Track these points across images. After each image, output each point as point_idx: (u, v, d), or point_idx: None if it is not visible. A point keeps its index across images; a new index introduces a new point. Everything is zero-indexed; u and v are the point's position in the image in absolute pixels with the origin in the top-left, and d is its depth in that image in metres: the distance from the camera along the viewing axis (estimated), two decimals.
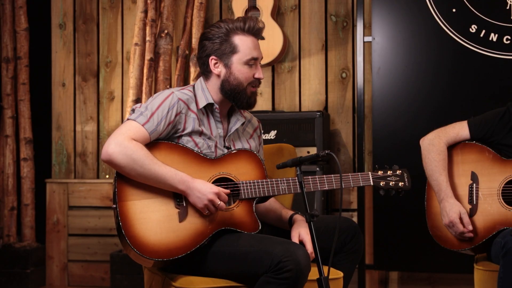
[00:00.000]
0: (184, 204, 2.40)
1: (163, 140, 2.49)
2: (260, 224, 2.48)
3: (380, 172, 2.62)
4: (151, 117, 2.43)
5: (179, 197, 2.40)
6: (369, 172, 2.61)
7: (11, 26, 4.72)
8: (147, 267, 2.58)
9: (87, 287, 4.72)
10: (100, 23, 4.83)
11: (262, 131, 2.85)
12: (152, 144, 2.44)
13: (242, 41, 2.52)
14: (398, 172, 2.64)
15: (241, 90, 2.54)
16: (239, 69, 2.53)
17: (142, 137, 2.41)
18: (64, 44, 4.87)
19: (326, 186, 2.54)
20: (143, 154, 2.36)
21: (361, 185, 2.60)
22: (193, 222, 2.38)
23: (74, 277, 4.75)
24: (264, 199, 2.58)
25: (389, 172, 2.63)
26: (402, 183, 2.63)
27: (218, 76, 2.56)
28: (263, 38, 2.63)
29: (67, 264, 4.76)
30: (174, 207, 2.39)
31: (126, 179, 2.39)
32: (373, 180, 2.60)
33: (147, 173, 2.36)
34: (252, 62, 2.53)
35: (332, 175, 2.55)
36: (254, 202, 2.50)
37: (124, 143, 2.36)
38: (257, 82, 2.57)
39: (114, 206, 2.36)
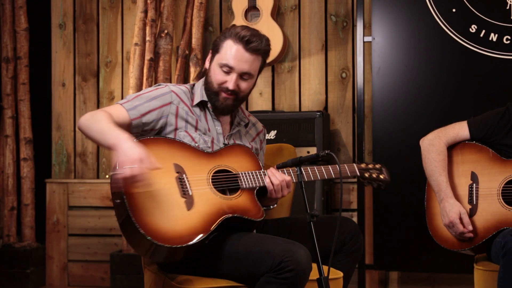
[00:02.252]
0: (190, 193, 2.39)
1: (161, 135, 2.52)
2: (263, 212, 2.47)
3: (363, 165, 2.73)
4: (133, 99, 2.49)
5: (183, 187, 2.40)
6: (354, 164, 2.70)
7: (11, 26, 4.72)
8: (156, 261, 2.52)
9: (87, 287, 4.72)
10: (100, 23, 4.83)
11: (266, 137, 2.84)
12: (151, 140, 2.45)
13: (227, 45, 2.52)
14: (377, 166, 2.76)
15: (212, 89, 2.55)
16: (214, 69, 2.55)
17: (118, 112, 2.44)
18: (64, 44, 4.87)
19: (318, 176, 2.59)
20: (99, 115, 2.36)
21: (349, 175, 2.67)
22: (201, 210, 2.36)
23: (74, 277, 4.75)
24: (265, 191, 2.56)
25: (369, 166, 2.74)
26: (383, 176, 2.74)
27: (207, 69, 2.62)
28: (255, 53, 2.53)
29: (67, 264, 4.76)
30: (181, 197, 2.37)
31: None
32: (358, 170, 2.68)
33: (96, 129, 2.33)
34: (226, 69, 2.51)
35: (316, 167, 2.61)
36: (255, 191, 2.50)
37: (90, 112, 2.41)
38: (226, 89, 2.52)
39: (119, 201, 2.32)
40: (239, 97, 2.56)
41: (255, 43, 2.50)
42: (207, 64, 2.62)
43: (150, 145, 2.42)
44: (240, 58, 2.50)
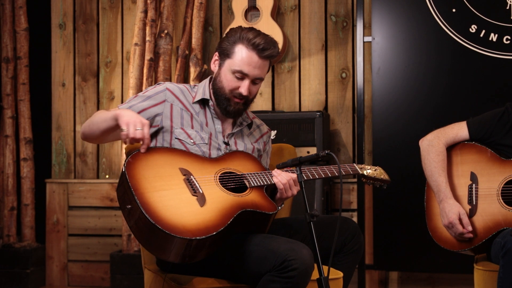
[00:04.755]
0: (201, 191, 2.38)
1: (159, 134, 2.56)
2: (276, 206, 2.47)
3: (362, 165, 2.77)
4: (130, 101, 2.57)
5: (193, 186, 2.39)
6: (354, 164, 2.73)
7: (11, 26, 4.72)
8: (169, 259, 2.44)
9: (87, 287, 4.72)
10: (100, 23, 4.83)
11: (271, 139, 2.85)
12: (154, 150, 2.47)
13: (240, 51, 2.53)
14: (376, 167, 2.80)
15: (223, 95, 2.57)
16: (225, 74, 2.56)
17: None
18: (64, 44, 4.87)
19: (322, 174, 2.61)
20: (98, 112, 2.53)
21: (351, 173, 2.69)
22: (214, 207, 2.35)
23: (74, 277, 4.75)
24: (273, 190, 2.56)
25: (369, 167, 2.77)
26: (383, 176, 2.78)
27: (213, 72, 2.63)
28: (268, 59, 2.56)
29: (67, 264, 4.76)
30: (191, 195, 2.36)
31: (136, 175, 2.36)
32: (359, 169, 2.71)
33: (95, 119, 2.52)
34: (240, 75, 2.53)
35: (318, 167, 2.64)
36: (264, 189, 2.50)
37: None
38: (239, 95, 2.54)
39: (129, 206, 2.31)
40: (249, 101, 2.60)
41: (269, 50, 2.53)
42: (213, 67, 2.63)
43: (152, 153, 2.44)
44: (254, 65, 2.52)
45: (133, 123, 2.38)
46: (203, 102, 2.63)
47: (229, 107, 2.57)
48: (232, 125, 2.68)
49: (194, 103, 2.61)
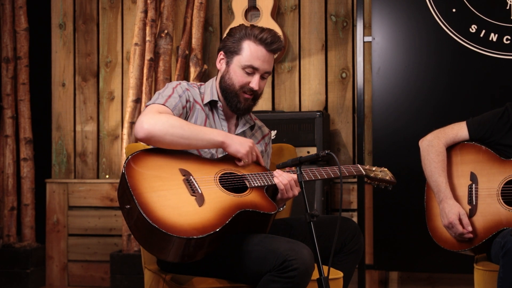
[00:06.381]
0: (200, 191, 2.38)
1: None
2: (276, 206, 2.47)
3: (367, 166, 2.75)
4: (168, 99, 2.53)
5: (192, 186, 2.39)
6: (358, 165, 2.72)
7: (11, 26, 4.72)
8: (172, 260, 2.45)
9: (87, 287, 4.72)
10: (100, 23, 4.83)
11: (271, 140, 2.86)
12: (154, 151, 2.47)
13: (248, 47, 2.57)
14: (382, 168, 2.79)
15: (232, 92, 2.59)
16: (234, 71, 2.59)
17: (166, 112, 2.49)
18: (64, 44, 4.87)
19: (325, 175, 2.60)
20: (177, 119, 2.46)
21: (354, 174, 2.68)
22: (212, 206, 2.35)
23: (74, 277, 4.75)
24: (275, 191, 2.56)
25: (373, 168, 2.77)
26: (389, 177, 2.77)
27: (220, 71, 2.65)
28: (275, 52, 2.62)
29: (67, 264, 4.76)
30: (190, 195, 2.36)
31: (135, 176, 2.36)
32: (364, 170, 2.70)
33: (188, 133, 2.43)
34: (250, 70, 2.57)
35: (321, 168, 2.64)
36: (264, 189, 2.50)
37: (156, 116, 2.44)
38: (250, 90, 2.58)
39: (128, 206, 2.31)
40: (257, 96, 2.63)
41: (276, 44, 2.59)
42: (219, 66, 2.65)
43: (153, 154, 2.44)
44: (263, 59, 2.57)
45: (249, 152, 2.51)
46: (210, 104, 2.64)
47: (239, 104, 2.59)
48: (235, 126, 2.69)
49: (204, 105, 2.63)
